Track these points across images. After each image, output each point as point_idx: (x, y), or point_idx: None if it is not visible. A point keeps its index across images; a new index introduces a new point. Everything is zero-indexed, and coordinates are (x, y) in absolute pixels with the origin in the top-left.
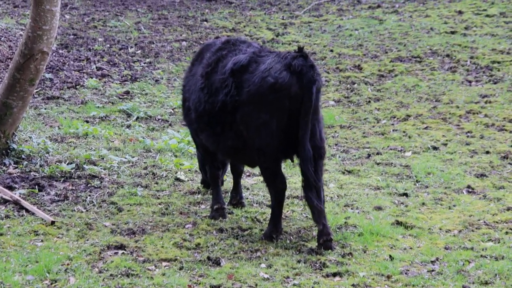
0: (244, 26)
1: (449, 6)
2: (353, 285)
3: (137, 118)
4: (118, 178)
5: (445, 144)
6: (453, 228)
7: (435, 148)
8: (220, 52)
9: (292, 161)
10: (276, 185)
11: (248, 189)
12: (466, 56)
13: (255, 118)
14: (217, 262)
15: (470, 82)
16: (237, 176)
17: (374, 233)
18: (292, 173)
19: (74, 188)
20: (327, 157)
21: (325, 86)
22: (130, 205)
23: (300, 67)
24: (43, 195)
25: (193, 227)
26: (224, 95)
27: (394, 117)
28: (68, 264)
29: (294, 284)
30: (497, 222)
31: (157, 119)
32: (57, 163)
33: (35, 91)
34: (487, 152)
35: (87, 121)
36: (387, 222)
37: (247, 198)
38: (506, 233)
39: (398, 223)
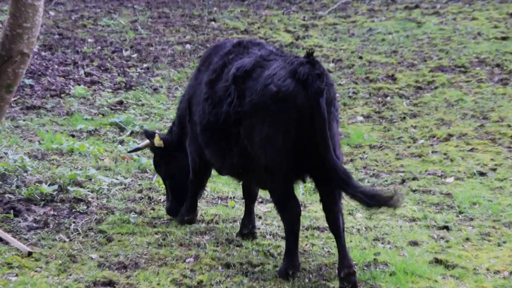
0: (259, 28)
1: (500, 7)
2: None
3: (132, 132)
4: (108, 202)
5: (494, 169)
6: (503, 268)
7: (482, 173)
8: (228, 56)
9: (304, 182)
10: (288, 209)
11: (260, 217)
12: None
13: (259, 132)
14: None
15: None
16: (250, 201)
17: (409, 273)
18: (312, 200)
19: (56, 213)
20: None
21: (352, 99)
22: (122, 234)
23: (306, 75)
24: (20, 221)
25: (195, 262)
26: (228, 105)
27: (434, 137)
28: None
29: None
30: None
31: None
32: (36, 184)
33: (13, 99)
34: None
35: (72, 136)
36: (424, 260)
37: (259, 229)
38: None
39: (437, 261)
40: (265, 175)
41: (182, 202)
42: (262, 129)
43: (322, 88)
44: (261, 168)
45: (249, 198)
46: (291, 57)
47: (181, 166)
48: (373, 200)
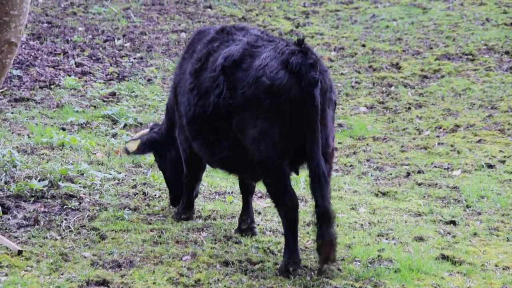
0: (257, 15)
1: None
2: None
3: (125, 125)
4: (100, 198)
5: (503, 161)
6: None
7: (490, 166)
8: (212, 44)
9: (297, 173)
10: (284, 203)
11: (259, 213)
12: None
13: (252, 127)
14: None
15: None
16: (247, 194)
17: (414, 270)
18: None
19: (46, 210)
20: (356, 176)
21: (355, 89)
22: (115, 231)
23: (299, 66)
24: (9, 219)
25: (192, 259)
26: (216, 96)
27: (440, 128)
28: None
29: None
30: None
31: (148, 126)
32: (26, 179)
33: (0, 91)
34: None
35: (63, 129)
36: (431, 256)
37: (258, 224)
38: None
39: (444, 257)
40: (259, 169)
41: (179, 194)
42: (255, 124)
43: (317, 79)
44: (255, 163)
45: (247, 191)
46: (280, 43)
47: (169, 160)
48: (321, 225)
